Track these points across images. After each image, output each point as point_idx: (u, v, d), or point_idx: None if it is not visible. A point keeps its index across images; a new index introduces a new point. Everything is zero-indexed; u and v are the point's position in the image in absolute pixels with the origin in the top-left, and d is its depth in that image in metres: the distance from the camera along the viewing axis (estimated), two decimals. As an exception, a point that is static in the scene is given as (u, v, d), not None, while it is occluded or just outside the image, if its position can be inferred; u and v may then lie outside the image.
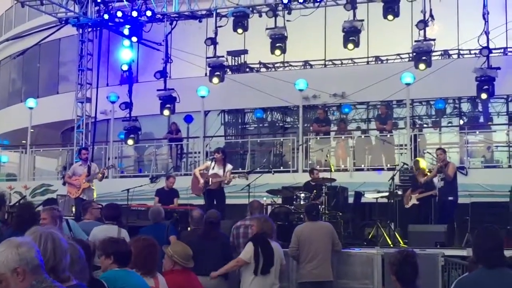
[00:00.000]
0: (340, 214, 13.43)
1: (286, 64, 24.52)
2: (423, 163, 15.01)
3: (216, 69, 18.89)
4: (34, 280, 3.35)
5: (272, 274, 9.09)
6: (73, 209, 14.84)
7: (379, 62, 23.73)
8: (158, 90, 19.59)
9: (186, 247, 7.28)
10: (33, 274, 3.36)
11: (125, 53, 20.75)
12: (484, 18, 17.31)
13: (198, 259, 8.88)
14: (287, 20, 18.54)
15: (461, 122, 22.65)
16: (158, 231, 9.83)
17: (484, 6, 17.32)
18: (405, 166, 16.45)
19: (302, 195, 13.61)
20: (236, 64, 24.94)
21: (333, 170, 15.98)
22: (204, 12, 19.79)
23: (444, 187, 14.01)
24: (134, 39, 20.21)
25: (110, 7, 20.20)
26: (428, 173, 14.44)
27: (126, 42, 20.51)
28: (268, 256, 9.05)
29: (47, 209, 8.90)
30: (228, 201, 14.81)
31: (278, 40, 18.15)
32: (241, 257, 9.14)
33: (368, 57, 23.31)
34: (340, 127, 21.87)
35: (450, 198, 13.94)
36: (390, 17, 17.36)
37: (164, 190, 15.68)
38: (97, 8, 20.51)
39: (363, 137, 21.42)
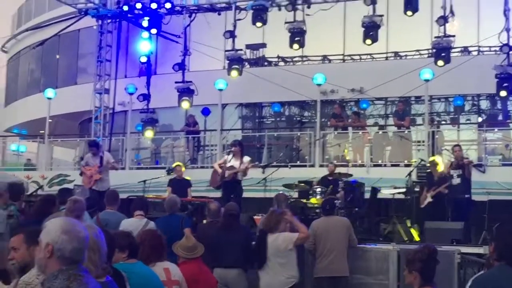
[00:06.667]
0: (356, 209, 13.41)
1: (304, 59, 24.45)
2: (440, 164, 14.76)
3: (235, 62, 18.88)
4: (64, 266, 3.37)
5: (269, 267, 9.04)
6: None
7: (398, 57, 23.58)
8: (176, 82, 19.60)
9: (187, 239, 7.32)
10: (62, 260, 3.37)
11: (144, 45, 20.77)
12: (505, 15, 17.18)
13: (218, 251, 8.94)
14: (307, 14, 18.50)
15: (480, 119, 22.49)
16: (173, 222, 9.82)
17: (506, 3, 17.20)
18: (423, 162, 16.37)
19: (318, 189, 13.59)
20: (254, 57, 24.92)
21: (350, 165, 15.94)
22: (223, 5, 19.77)
23: (461, 184, 13.89)
24: (153, 31, 20.22)
25: (130, -2, 20.24)
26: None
27: (145, 34, 20.53)
28: (259, 251, 9.08)
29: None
30: (244, 194, 14.79)
31: (297, 34, 18.10)
32: None
33: (387, 53, 23.20)
34: (352, 119, 21.51)
35: (467, 195, 13.87)
36: (409, 12, 17.26)
37: (176, 180, 15.65)
38: (116, -1, 20.57)
39: (380, 132, 21.31)
